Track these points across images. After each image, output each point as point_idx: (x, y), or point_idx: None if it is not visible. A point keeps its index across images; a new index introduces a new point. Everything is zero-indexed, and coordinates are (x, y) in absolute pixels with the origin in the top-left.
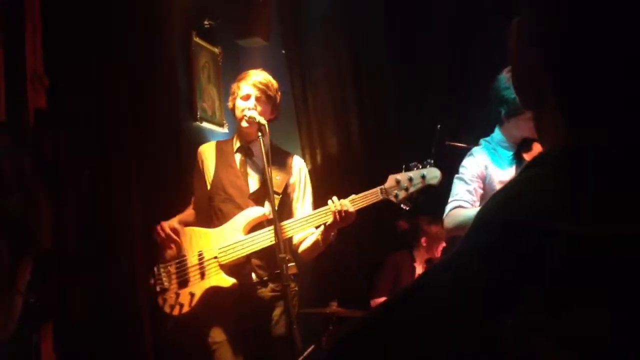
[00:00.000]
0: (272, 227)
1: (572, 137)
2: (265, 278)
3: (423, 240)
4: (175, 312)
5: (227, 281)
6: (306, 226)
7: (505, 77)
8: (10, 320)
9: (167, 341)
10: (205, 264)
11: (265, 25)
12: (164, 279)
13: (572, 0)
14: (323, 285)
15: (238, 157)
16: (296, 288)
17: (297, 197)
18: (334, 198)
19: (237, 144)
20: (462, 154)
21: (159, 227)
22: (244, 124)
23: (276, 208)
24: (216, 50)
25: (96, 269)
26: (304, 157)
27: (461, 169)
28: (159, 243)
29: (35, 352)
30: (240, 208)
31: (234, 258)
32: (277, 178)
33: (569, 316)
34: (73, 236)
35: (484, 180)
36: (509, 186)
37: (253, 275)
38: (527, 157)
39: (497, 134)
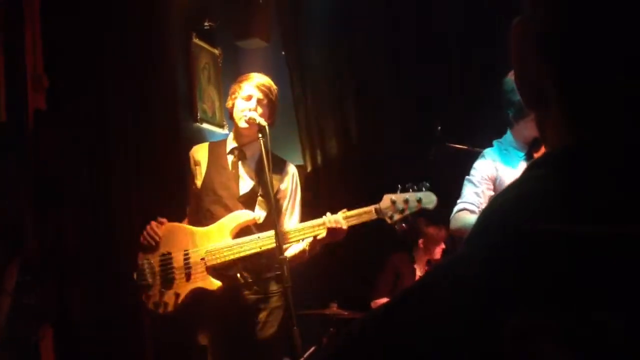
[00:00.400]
0: (260, 234)
1: (573, 138)
2: (250, 280)
3: (420, 241)
4: (160, 310)
5: (214, 284)
6: (297, 238)
7: (510, 79)
8: None
9: (166, 342)
10: (192, 264)
11: (265, 26)
12: (148, 275)
13: (582, 8)
14: (323, 286)
15: (230, 158)
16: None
17: (287, 205)
18: (328, 214)
19: (230, 145)
20: (462, 155)
21: (148, 227)
22: (243, 124)
23: (266, 213)
24: (216, 51)
25: (96, 270)
26: (303, 158)
27: (472, 171)
28: (145, 241)
29: (35, 353)
30: (229, 210)
31: (220, 261)
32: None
33: (570, 317)
34: (73, 237)
35: (495, 182)
36: (511, 188)
37: (240, 277)
38: (537, 156)
39: (508, 135)
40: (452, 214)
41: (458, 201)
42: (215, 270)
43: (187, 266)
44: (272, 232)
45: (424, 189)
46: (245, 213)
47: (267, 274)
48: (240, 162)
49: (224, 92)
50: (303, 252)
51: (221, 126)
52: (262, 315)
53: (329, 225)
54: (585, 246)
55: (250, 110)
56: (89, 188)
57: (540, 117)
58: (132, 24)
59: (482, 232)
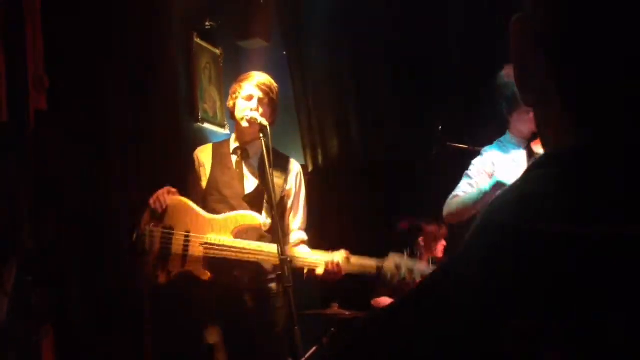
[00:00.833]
0: (263, 245)
1: (576, 137)
2: (254, 280)
3: (421, 239)
4: (152, 279)
5: (204, 273)
6: (296, 263)
7: (502, 74)
8: None
9: (167, 342)
10: (190, 249)
11: (266, 26)
12: (147, 241)
13: (583, 4)
14: (324, 286)
15: (234, 158)
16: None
17: (291, 204)
18: (332, 254)
19: (233, 145)
20: (462, 155)
21: (158, 192)
22: (244, 124)
23: (272, 220)
24: (217, 51)
25: (96, 270)
26: (305, 157)
27: (470, 167)
28: (152, 206)
29: (35, 353)
30: (234, 209)
31: (218, 256)
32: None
33: (571, 317)
34: (73, 237)
35: (492, 177)
36: (511, 188)
37: (242, 280)
38: (534, 146)
39: (507, 133)
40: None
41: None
42: (212, 262)
43: (185, 250)
44: (274, 247)
45: (431, 264)
46: (252, 216)
47: (270, 274)
48: (243, 162)
49: (225, 92)
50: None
51: (222, 126)
52: (266, 316)
53: (329, 268)
54: (586, 247)
55: (251, 110)
56: (90, 188)
57: (539, 117)
58: (132, 23)
59: (482, 232)
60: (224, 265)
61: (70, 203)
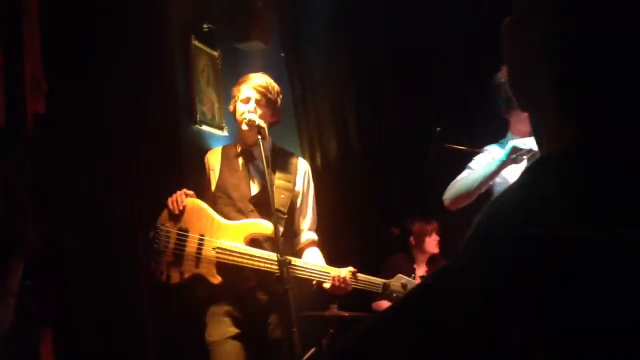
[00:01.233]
0: (272, 254)
1: (574, 138)
2: (263, 281)
3: (411, 239)
4: (163, 278)
5: (216, 278)
6: (304, 275)
7: (499, 74)
8: (1, 325)
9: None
10: (203, 252)
11: (265, 28)
12: (163, 240)
13: (580, 2)
14: (323, 288)
15: (240, 160)
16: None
17: (300, 205)
18: (338, 270)
19: (239, 148)
20: (461, 157)
21: (176, 194)
22: (244, 127)
23: (283, 228)
24: (215, 53)
25: (96, 272)
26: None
27: (471, 162)
28: (169, 206)
29: (35, 354)
30: (241, 211)
31: (229, 262)
32: (281, 197)
33: (574, 326)
34: (72, 239)
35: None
36: (510, 190)
37: (253, 277)
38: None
39: (509, 135)
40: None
41: None
42: (225, 267)
43: (199, 252)
44: (283, 259)
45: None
46: (264, 225)
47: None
48: (249, 164)
49: (224, 94)
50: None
51: (221, 128)
52: (273, 317)
53: (335, 282)
54: (586, 251)
55: (249, 112)
56: (88, 190)
57: (534, 119)
58: (130, 26)
59: (482, 236)
60: (234, 271)
61: (69, 205)
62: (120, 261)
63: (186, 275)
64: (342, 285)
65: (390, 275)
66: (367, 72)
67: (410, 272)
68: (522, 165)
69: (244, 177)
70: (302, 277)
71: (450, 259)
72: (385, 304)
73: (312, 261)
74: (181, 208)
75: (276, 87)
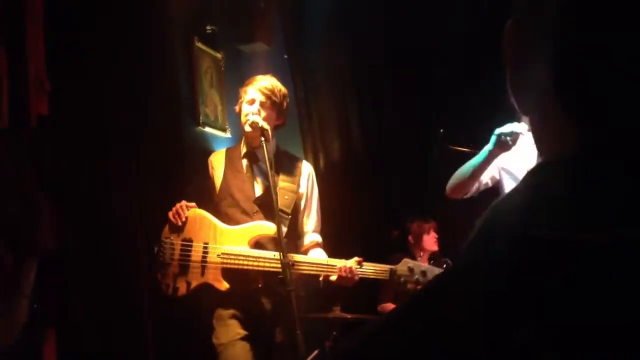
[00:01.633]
0: (277, 254)
1: (577, 140)
2: (269, 284)
3: (410, 238)
4: (170, 291)
5: (223, 284)
6: (311, 271)
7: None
8: (14, 326)
9: (170, 344)
10: (208, 259)
11: (268, 30)
12: (168, 254)
13: (580, 2)
14: (326, 290)
15: (245, 162)
16: (302, 293)
17: (304, 207)
18: (344, 261)
19: (243, 149)
20: (464, 157)
21: (177, 206)
22: (247, 128)
23: (287, 229)
24: (218, 55)
25: (96, 272)
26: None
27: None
28: (171, 219)
29: (37, 356)
30: (246, 213)
31: (234, 267)
32: (285, 197)
33: (577, 326)
34: (74, 240)
35: (501, 164)
36: (514, 193)
37: (258, 280)
38: None
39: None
40: None
41: None
42: (231, 272)
43: (204, 261)
44: (286, 261)
45: (445, 266)
46: (268, 226)
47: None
48: (253, 165)
49: (227, 96)
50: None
51: (223, 130)
52: (278, 319)
53: (342, 273)
54: (590, 253)
55: (253, 114)
56: (91, 191)
57: (536, 120)
58: (133, 28)
59: (485, 238)
60: (240, 275)
61: (72, 206)
62: (120, 262)
63: (193, 285)
64: (349, 275)
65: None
66: (369, 73)
67: None
68: (530, 154)
69: (248, 178)
70: (308, 274)
71: (451, 258)
72: (391, 306)
73: (316, 257)
74: (183, 220)
75: (283, 89)
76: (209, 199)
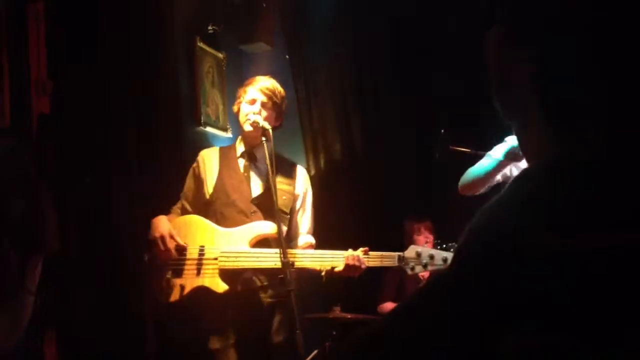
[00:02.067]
0: (278, 251)
1: (558, 151)
2: (266, 283)
3: (407, 240)
4: (163, 298)
5: (220, 287)
6: (315, 263)
7: None
8: (18, 325)
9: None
10: (204, 262)
11: (269, 30)
12: (160, 257)
13: (564, 14)
14: (326, 289)
15: (241, 162)
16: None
17: (299, 208)
18: (350, 250)
19: (240, 149)
20: (466, 158)
21: (160, 241)
22: (248, 127)
23: (287, 228)
24: (220, 55)
25: (99, 274)
26: (307, 162)
27: (491, 151)
28: (156, 252)
29: (39, 356)
30: (243, 212)
31: (233, 266)
32: (283, 198)
33: (566, 329)
34: (75, 240)
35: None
36: (501, 200)
37: (256, 280)
38: None
39: None
40: None
41: None
42: (228, 273)
43: (200, 261)
44: (290, 252)
45: (452, 250)
46: (269, 226)
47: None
48: (250, 165)
49: (228, 96)
50: (314, 270)
51: (225, 130)
52: (277, 319)
53: (349, 262)
54: (579, 259)
55: (254, 113)
56: (92, 191)
57: (520, 130)
58: (135, 28)
59: (475, 245)
60: (238, 275)
61: (73, 206)
62: (121, 262)
63: (187, 289)
64: (357, 263)
65: (394, 278)
66: (370, 73)
67: (404, 271)
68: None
69: (245, 178)
70: (311, 269)
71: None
72: (391, 305)
73: (321, 251)
74: (171, 252)
75: (282, 91)
76: (198, 195)
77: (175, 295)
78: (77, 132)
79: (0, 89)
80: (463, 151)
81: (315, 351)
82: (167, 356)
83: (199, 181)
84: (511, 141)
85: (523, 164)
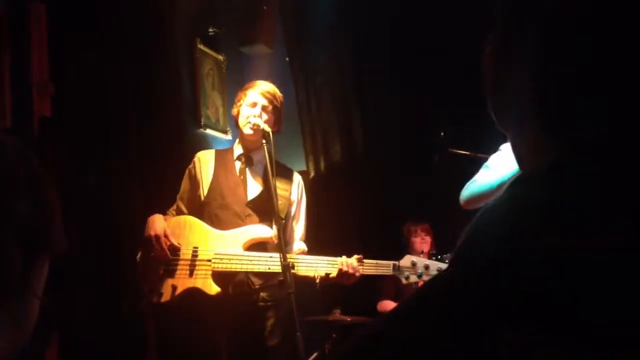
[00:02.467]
0: (272, 255)
1: (553, 155)
2: (257, 286)
3: (406, 242)
4: (154, 298)
5: (213, 289)
6: (309, 270)
7: None
8: (24, 330)
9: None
10: (197, 263)
11: (270, 32)
12: (152, 259)
13: (561, 25)
14: (326, 292)
15: (238, 164)
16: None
17: (294, 213)
18: (344, 257)
19: (237, 152)
20: (465, 161)
21: (155, 240)
22: (248, 131)
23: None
24: (220, 57)
25: (99, 275)
26: (307, 163)
27: (488, 160)
28: (152, 251)
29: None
30: (238, 215)
31: (226, 269)
32: (280, 203)
33: (563, 328)
34: (76, 242)
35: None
36: (497, 204)
37: (249, 282)
38: None
39: None
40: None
41: None
42: (221, 275)
43: (193, 262)
44: (286, 263)
45: (447, 261)
46: (264, 230)
47: (275, 280)
48: (247, 169)
49: (228, 98)
50: (308, 277)
51: (225, 132)
52: (271, 322)
53: (343, 268)
54: (576, 260)
55: (254, 116)
56: (93, 193)
57: (515, 138)
58: (136, 29)
59: (472, 248)
60: (231, 277)
61: (74, 208)
62: (122, 264)
63: (179, 290)
64: (351, 270)
65: (393, 279)
66: (370, 75)
67: None
68: None
69: (241, 181)
70: (306, 275)
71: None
72: (390, 304)
73: (315, 257)
74: (165, 252)
75: (281, 96)
76: (195, 198)
77: (167, 296)
78: (78, 133)
79: (2, 90)
80: (463, 154)
81: (315, 354)
82: (166, 356)
83: (194, 182)
84: (506, 149)
85: None
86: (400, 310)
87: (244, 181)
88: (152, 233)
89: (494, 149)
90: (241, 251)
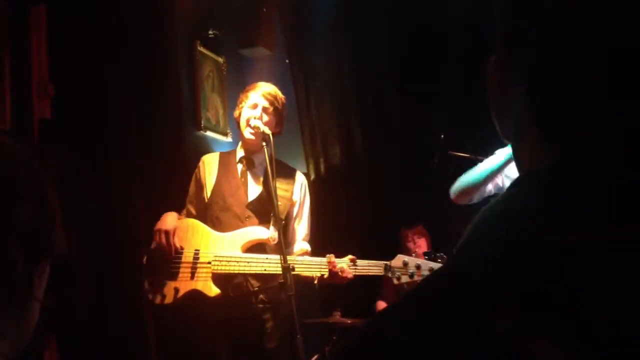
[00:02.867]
0: (269, 256)
1: (552, 160)
2: (256, 288)
3: (402, 245)
4: (157, 300)
5: (213, 290)
6: (304, 271)
7: None
8: (25, 334)
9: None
10: (198, 265)
11: (269, 35)
12: (157, 261)
13: (559, 37)
14: (326, 294)
15: (240, 167)
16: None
17: (296, 214)
18: (331, 256)
19: (239, 154)
20: (465, 163)
21: (163, 234)
22: (248, 135)
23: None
24: (220, 59)
25: (99, 277)
26: (307, 166)
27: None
28: (158, 243)
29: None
30: (238, 217)
31: (225, 271)
32: (279, 204)
33: (559, 315)
34: (76, 244)
35: (504, 172)
36: (496, 204)
37: (248, 285)
38: None
39: None
40: None
41: None
42: (220, 277)
43: (194, 265)
44: (286, 265)
45: (439, 260)
46: (262, 231)
47: (274, 282)
48: (248, 171)
49: (229, 100)
50: (302, 277)
51: (225, 134)
52: (270, 324)
53: (330, 267)
54: (574, 254)
55: (255, 118)
56: (93, 195)
57: (516, 147)
58: (137, 32)
59: (472, 243)
60: (231, 280)
61: (73, 210)
62: (122, 266)
63: (181, 292)
64: (343, 274)
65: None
66: (371, 78)
67: None
68: None
69: (242, 183)
70: (304, 275)
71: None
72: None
73: (308, 258)
74: (170, 248)
75: (283, 98)
76: (198, 200)
77: (169, 298)
78: (78, 135)
79: (2, 91)
80: (463, 156)
81: (316, 356)
82: (166, 357)
83: (199, 185)
84: (501, 154)
85: (514, 174)
86: (395, 309)
87: (245, 183)
88: (163, 227)
89: (494, 151)
90: (239, 253)
